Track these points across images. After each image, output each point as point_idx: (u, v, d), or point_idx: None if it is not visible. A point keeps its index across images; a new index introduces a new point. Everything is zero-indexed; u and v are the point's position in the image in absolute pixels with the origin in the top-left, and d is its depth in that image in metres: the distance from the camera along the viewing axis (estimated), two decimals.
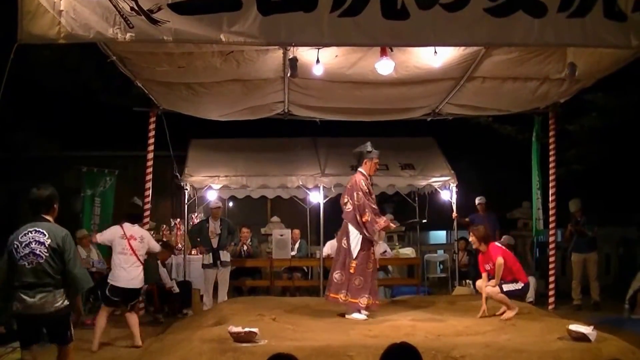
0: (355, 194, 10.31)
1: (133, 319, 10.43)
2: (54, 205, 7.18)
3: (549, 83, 11.64)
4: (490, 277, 10.02)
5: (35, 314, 6.74)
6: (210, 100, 12.26)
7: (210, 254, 13.61)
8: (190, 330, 9.19)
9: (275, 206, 19.46)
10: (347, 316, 9.94)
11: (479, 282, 10.41)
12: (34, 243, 6.74)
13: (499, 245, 10.32)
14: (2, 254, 6.94)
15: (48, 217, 7.05)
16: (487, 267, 10.03)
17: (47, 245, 6.76)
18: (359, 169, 10.89)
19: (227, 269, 13.83)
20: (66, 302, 6.92)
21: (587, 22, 8.10)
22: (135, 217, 11.18)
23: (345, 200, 10.45)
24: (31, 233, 6.80)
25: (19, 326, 7.01)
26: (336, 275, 10.24)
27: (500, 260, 9.73)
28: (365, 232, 10.14)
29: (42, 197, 7.11)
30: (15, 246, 6.76)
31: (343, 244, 10.43)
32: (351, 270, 10.10)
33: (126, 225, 10.57)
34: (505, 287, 9.79)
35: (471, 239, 10.37)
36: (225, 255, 13.73)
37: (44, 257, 6.72)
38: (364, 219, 10.15)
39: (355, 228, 10.26)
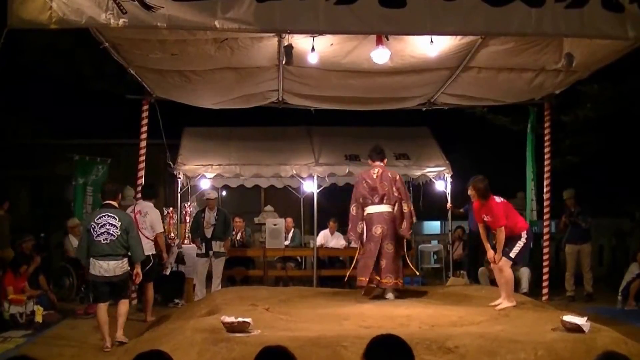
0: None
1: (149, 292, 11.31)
2: (118, 195, 10.15)
3: (545, 74, 11.60)
4: (489, 230, 10.06)
5: (108, 276, 9.32)
6: (204, 88, 12.20)
7: (203, 243, 13.55)
8: (183, 320, 9.14)
9: (269, 195, 19.41)
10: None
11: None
12: (107, 225, 9.33)
13: (498, 199, 9.91)
14: None
15: (114, 203, 9.72)
16: (486, 218, 9.88)
17: (118, 227, 9.35)
18: (382, 163, 11.05)
19: (221, 260, 13.75)
20: (127, 268, 9.52)
21: (585, 13, 8.07)
22: (147, 194, 12.14)
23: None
24: (105, 217, 9.40)
25: (97, 288, 9.51)
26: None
27: (502, 233, 9.63)
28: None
29: (111, 188, 10.02)
30: (93, 226, 9.34)
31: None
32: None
33: (140, 201, 11.91)
34: (513, 253, 9.71)
35: (471, 192, 9.91)
36: (218, 246, 13.66)
37: (116, 235, 9.31)
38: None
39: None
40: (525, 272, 13.74)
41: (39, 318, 10.66)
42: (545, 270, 13.55)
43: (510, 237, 9.67)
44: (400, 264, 10.66)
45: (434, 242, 19.48)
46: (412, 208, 10.88)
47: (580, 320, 7.59)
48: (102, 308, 9.47)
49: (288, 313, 9.23)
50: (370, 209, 10.61)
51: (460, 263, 15.78)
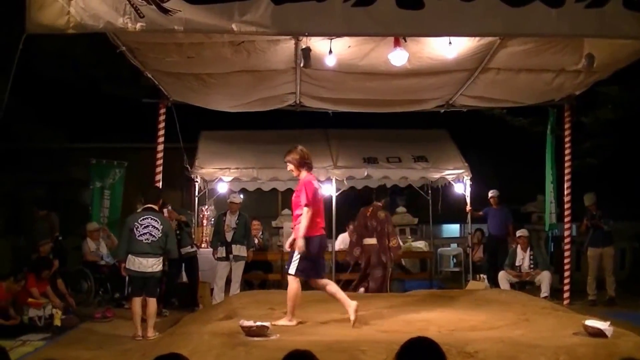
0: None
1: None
2: (160, 199, 10.95)
3: (565, 75, 11.50)
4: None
5: (146, 272, 10.10)
6: (221, 91, 12.19)
7: (223, 247, 13.51)
8: (200, 324, 9.08)
9: (287, 199, 19.30)
10: None
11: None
12: (150, 227, 10.13)
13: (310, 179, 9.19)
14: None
15: (155, 207, 10.50)
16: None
17: (159, 230, 10.17)
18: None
19: (240, 264, 13.70)
20: (161, 267, 10.33)
21: (606, 13, 7.96)
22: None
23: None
24: (148, 219, 10.19)
25: (133, 282, 10.55)
26: None
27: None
28: None
29: (154, 193, 11.08)
30: (136, 226, 10.13)
31: None
32: None
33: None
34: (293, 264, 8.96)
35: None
36: (238, 250, 13.60)
37: (157, 237, 10.12)
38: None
39: None
40: (546, 276, 13.62)
41: (57, 321, 10.64)
42: (567, 274, 13.39)
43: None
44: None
45: (453, 246, 19.39)
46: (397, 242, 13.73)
47: (603, 325, 7.50)
48: (137, 301, 10.27)
49: (306, 317, 9.17)
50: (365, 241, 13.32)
51: (480, 266, 15.67)
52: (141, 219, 10.22)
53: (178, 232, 12.63)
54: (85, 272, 13.83)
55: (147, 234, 10.10)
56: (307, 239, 8.77)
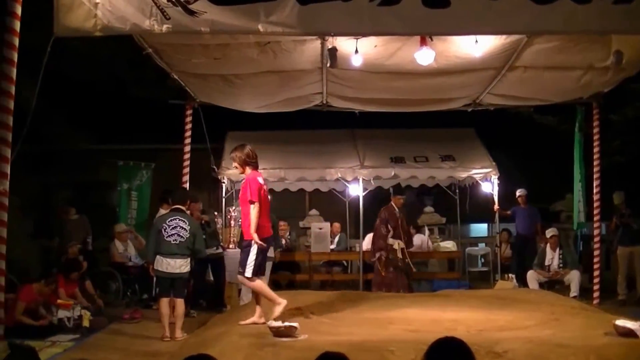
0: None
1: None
2: (187, 200, 10.95)
3: (593, 72, 11.38)
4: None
5: (174, 273, 10.16)
6: (247, 92, 12.20)
7: None
8: (228, 324, 9.10)
9: (314, 199, 19.36)
10: None
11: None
12: (179, 227, 10.19)
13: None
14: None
15: (183, 208, 10.56)
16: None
17: (187, 230, 10.22)
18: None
19: (268, 264, 13.67)
20: (189, 268, 10.41)
21: (633, 9, 7.87)
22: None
23: None
24: (176, 220, 10.25)
25: (161, 283, 10.46)
26: None
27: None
28: None
29: (181, 194, 11.13)
30: (164, 227, 10.19)
31: None
32: None
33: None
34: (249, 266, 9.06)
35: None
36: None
37: (185, 238, 10.18)
38: None
39: None
40: (575, 275, 13.51)
41: (86, 323, 10.70)
42: (596, 273, 13.26)
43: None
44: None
45: (481, 245, 19.27)
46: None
47: (634, 325, 7.44)
48: (165, 302, 10.27)
49: (334, 317, 9.19)
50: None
51: (508, 266, 15.57)
52: (169, 220, 10.31)
53: (205, 232, 12.68)
54: (113, 273, 13.90)
55: (175, 234, 10.15)
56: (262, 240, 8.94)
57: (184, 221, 10.30)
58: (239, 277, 9.20)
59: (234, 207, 15.26)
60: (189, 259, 10.35)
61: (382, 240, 13.44)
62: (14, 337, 8.67)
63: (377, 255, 13.48)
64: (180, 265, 10.19)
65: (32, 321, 10.30)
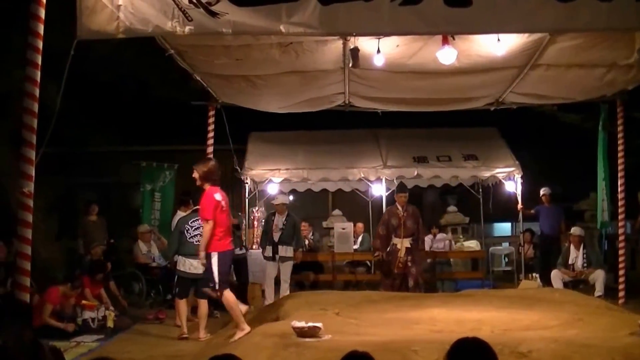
0: None
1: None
2: None
3: (617, 69, 11.29)
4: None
5: (196, 272, 10.05)
6: (269, 93, 12.22)
7: (270, 247, 13.52)
8: (252, 325, 9.12)
9: (337, 199, 19.38)
10: None
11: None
12: (201, 228, 9.74)
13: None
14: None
15: None
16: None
17: None
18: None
19: (289, 264, 13.68)
20: None
21: None
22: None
23: None
24: (198, 221, 10.09)
25: (181, 284, 10.60)
26: None
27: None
28: None
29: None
30: (187, 229, 10.40)
31: None
32: None
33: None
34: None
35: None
36: (285, 251, 13.58)
37: None
38: None
39: None
40: (600, 275, 13.41)
41: (110, 323, 10.78)
42: (621, 272, 13.17)
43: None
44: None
45: (505, 244, 19.21)
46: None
47: None
48: (183, 302, 10.56)
49: (358, 317, 9.16)
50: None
51: (532, 265, 15.50)
52: (191, 221, 10.45)
53: None
54: (137, 274, 13.97)
55: (198, 235, 10.12)
56: (219, 254, 9.13)
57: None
58: (211, 292, 9.47)
59: (257, 208, 15.33)
60: None
61: (378, 240, 13.50)
62: (39, 337, 8.74)
63: (376, 254, 13.63)
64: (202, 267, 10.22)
65: (59, 324, 10.37)
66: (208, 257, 9.17)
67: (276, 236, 13.53)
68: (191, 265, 10.30)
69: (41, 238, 10.23)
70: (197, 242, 10.05)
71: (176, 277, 10.93)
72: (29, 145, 7.77)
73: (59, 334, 9.89)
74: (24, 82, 7.77)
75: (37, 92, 7.76)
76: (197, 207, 10.41)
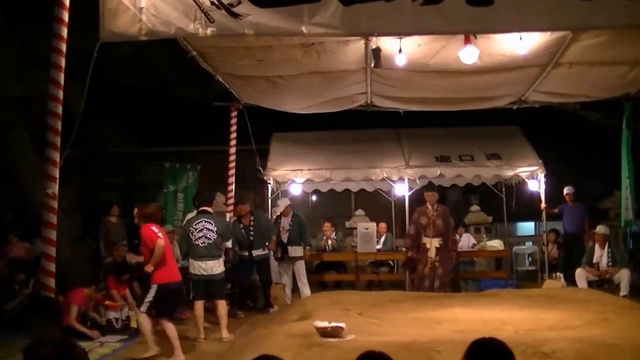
0: None
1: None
2: (213, 201, 11.01)
3: None
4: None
5: (206, 274, 10.28)
6: (291, 93, 12.25)
7: (280, 248, 13.55)
8: (275, 325, 9.13)
9: (360, 199, 19.35)
10: None
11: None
12: (205, 230, 10.25)
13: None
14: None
15: (209, 209, 10.64)
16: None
17: (214, 231, 10.27)
18: None
19: (300, 263, 13.74)
20: (223, 269, 10.54)
21: None
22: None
23: None
24: (202, 222, 10.31)
25: (196, 286, 10.70)
26: None
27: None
28: None
29: (207, 195, 10.96)
30: (192, 231, 10.29)
31: None
32: None
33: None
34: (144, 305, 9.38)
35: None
36: (294, 251, 13.61)
37: (213, 239, 10.25)
38: None
39: None
40: (625, 274, 13.30)
41: (134, 324, 10.81)
42: None
43: None
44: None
45: (528, 244, 19.13)
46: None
47: None
48: (200, 304, 10.43)
49: (381, 317, 9.15)
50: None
51: (555, 265, 15.42)
52: (195, 223, 10.41)
53: (252, 232, 12.77)
54: None
55: (203, 237, 10.27)
56: (158, 286, 9.09)
57: (210, 222, 10.39)
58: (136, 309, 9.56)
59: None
60: (221, 260, 10.51)
61: (409, 239, 13.32)
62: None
63: (408, 254, 13.43)
64: (212, 267, 10.33)
65: (84, 329, 10.41)
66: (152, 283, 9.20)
67: (284, 237, 13.57)
68: (200, 268, 10.32)
69: (65, 239, 10.27)
70: (202, 244, 10.25)
71: (190, 280, 10.94)
72: (53, 147, 7.84)
73: (82, 335, 9.94)
74: (48, 85, 7.84)
75: (60, 94, 7.84)
76: (203, 208, 10.66)
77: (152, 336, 9.22)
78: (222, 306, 10.42)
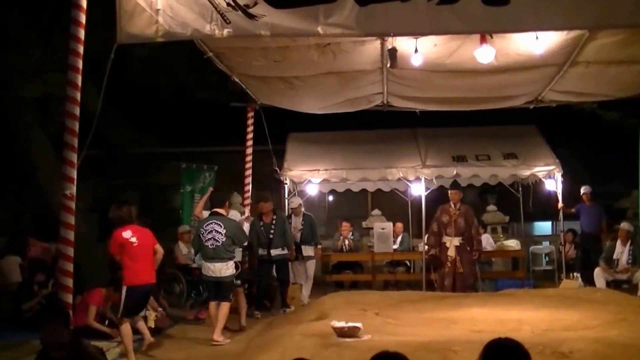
0: None
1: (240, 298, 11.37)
2: (226, 202, 11.04)
3: None
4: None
5: (215, 276, 10.32)
6: (308, 93, 12.26)
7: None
8: (292, 325, 9.15)
9: (376, 199, 19.33)
10: None
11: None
12: (214, 232, 10.31)
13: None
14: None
15: (221, 211, 10.69)
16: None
17: (222, 234, 10.29)
18: None
19: (312, 262, 13.83)
20: (233, 271, 10.51)
21: None
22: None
23: None
24: (212, 224, 10.38)
25: (206, 286, 10.99)
26: None
27: None
28: None
29: (219, 197, 11.13)
30: (202, 232, 10.40)
31: None
32: None
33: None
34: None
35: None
36: (307, 250, 13.69)
37: (221, 242, 10.28)
38: None
39: None
40: None
41: (151, 323, 10.83)
42: None
43: None
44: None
45: (545, 244, 19.05)
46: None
47: None
48: (213, 305, 10.47)
49: (397, 317, 9.17)
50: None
51: (573, 265, 15.36)
52: (206, 224, 10.49)
53: (272, 231, 12.79)
54: (177, 275, 14.04)
55: (212, 239, 10.33)
56: (127, 287, 9.19)
57: (219, 224, 10.42)
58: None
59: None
60: (229, 262, 10.47)
61: (432, 237, 13.43)
62: (82, 337, 8.86)
63: (430, 252, 13.52)
64: (220, 269, 10.35)
65: (105, 328, 10.44)
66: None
67: (297, 237, 13.61)
68: (209, 269, 10.41)
69: (83, 240, 10.32)
70: (211, 246, 10.32)
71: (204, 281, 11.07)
72: (70, 148, 7.89)
73: (101, 334, 9.98)
74: (66, 86, 7.89)
75: (78, 96, 7.88)
76: (215, 209, 10.76)
77: (131, 346, 9.20)
78: (224, 308, 10.39)
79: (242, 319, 11.29)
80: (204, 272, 10.51)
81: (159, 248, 9.75)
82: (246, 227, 12.17)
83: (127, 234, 9.25)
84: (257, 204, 13.20)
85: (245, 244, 11.32)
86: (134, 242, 9.24)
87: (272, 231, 12.83)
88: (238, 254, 11.17)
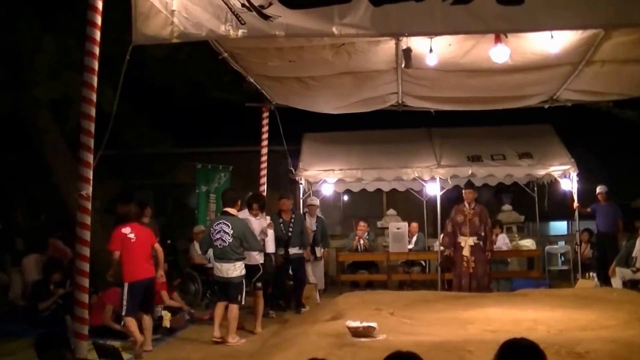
0: None
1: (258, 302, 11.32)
2: (237, 202, 10.80)
3: None
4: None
5: (222, 277, 10.29)
6: (323, 94, 12.28)
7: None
8: (307, 324, 9.16)
9: (391, 199, 19.31)
10: None
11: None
12: (222, 232, 10.23)
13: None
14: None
15: (231, 211, 10.55)
16: None
17: (230, 234, 10.18)
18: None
19: (320, 263, 14.04)
20: (242, 273, 10.34)
21: None
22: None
23: None
24: (221, 224, 10.31)
25: (217, 285, 10.81)
26: None
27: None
28: None
29: (230, 196, 10.87)
30: (211, 232, 10.36)
31: None
32: None
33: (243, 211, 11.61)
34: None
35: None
36: (319, 251, 13.87)
37: (228, 242, 10.18)
38: None
39: None
40: None
41: (166, 323, 10.89)
42: None
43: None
44: None
45: (561, 243, 18.99)
46: None
47: None
48: (220, 305, 10.44)
49: (412, 317, 9.14)
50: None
51: (588, 265, 15.30)
52: (215, 224, 10.48)
53: (291, 229, 12.85)
54: (193, 274, 14.08)
55: (220, 239, 10.25)
56: (129, 284, 9.31)
57: (227, 225, 10.30)
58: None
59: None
60: (236, 264, 10.29)
61: (447, 237, 13.45)
62: (97, 337, 8.93)
63: (446, 252, 13.49)
64: (226, 270, 10.25)
65: (120, 327, 10.48)
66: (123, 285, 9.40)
67: (311, 237, 13.65)
68: (216, 269, 10.43)
69: (99, 240, 10.37)
70: (220, 246, 10.24)
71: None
72: (86, 148, 7.93)
73: (117, 333, 10.02)
74: (82, 87, 7.93)
75: (94, 96, 7.93)
76: (225, 209, 10.69)
77: (140, 336, 9.35)
78: (233, 310, 10.31)
79: (257, 325, 11.14)
80: (215, 272, 10.53)
81: (158, 247, 9.92)
82: (270, 233, 11.92)
83: (126, 230, 9.44)
84: (279, 200, 13.19)
85: (258, 251, 11.05)
86: (132, 238, 9.41)
87: (290, 229, 12.87)
88: (260, 256, 11.16)
